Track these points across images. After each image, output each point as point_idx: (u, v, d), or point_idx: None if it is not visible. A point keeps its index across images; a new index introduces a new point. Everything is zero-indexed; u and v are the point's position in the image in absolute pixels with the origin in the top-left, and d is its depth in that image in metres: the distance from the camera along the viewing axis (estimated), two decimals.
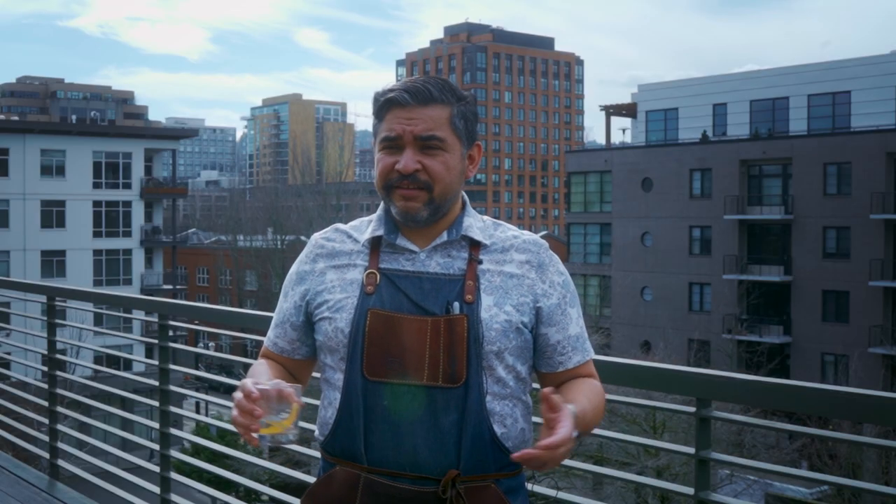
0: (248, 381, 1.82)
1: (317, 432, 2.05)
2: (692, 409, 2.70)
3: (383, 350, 1.91)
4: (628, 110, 48.97)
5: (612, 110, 49.45)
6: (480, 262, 1.99)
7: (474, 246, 2.01)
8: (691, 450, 2.71)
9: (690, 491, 2.68)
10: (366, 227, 2.07)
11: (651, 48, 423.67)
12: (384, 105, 1.97)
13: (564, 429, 1.74)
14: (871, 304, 32.88)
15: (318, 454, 2.17)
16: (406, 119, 1.94)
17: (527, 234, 2.06)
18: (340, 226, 2.11)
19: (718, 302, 36.23)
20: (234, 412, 1.81)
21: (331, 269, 2.04)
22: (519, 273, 2.00)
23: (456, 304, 1.92)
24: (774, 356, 33.19)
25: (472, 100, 2.04)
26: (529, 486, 2.12)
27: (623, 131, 75.62)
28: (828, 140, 35.71)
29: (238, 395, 1.80)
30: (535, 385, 2.15)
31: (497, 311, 1.94)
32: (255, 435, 1.80)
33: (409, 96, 1.94)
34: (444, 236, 2.00)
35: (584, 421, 1.88)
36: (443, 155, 1.95)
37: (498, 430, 1.92)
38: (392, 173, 1.95)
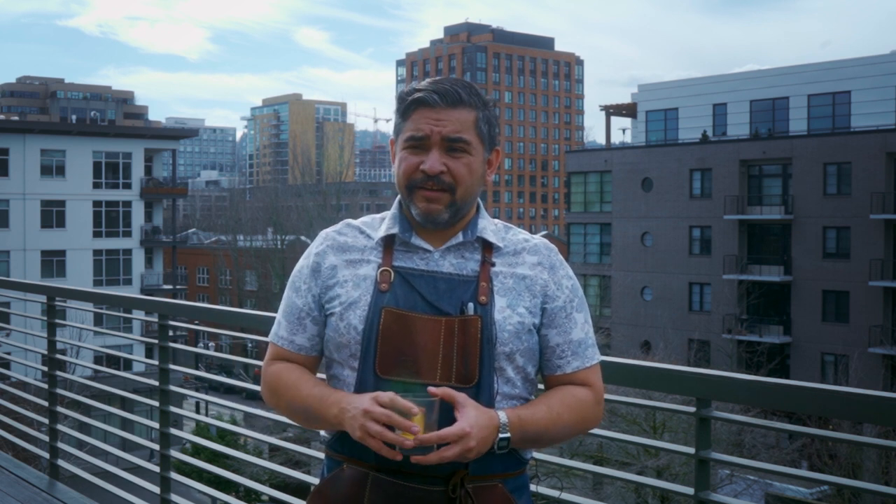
0: (395, 397, 1.78)
1: (322, 431, 2.05)
2: (692, 409, 2.70)
3: (396, 349, 1.91)
4: (628, 110, 48.97)
5: (612, 110, 49.45)
6: (493, 264, 2.00)
7: (487, 248, 2.01)
8: (691, 450, 2.71)
9: (690, 491, 2.68)
10: (378, 224, 2.07)
11: (651, 48, 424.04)
12: (411, 104, 1.97)
13: (451, 428, 1.77)
14: (871, 304, 32.88)
15: (317, 454, 2.16)
16: (434, 120, 1.94)
17: (537, 238, 2.08)
18: (352, 221, 2.11)
19: (718, 302, 36.22)
20: (376, 427, 1.77)
21: (343, 264, 2.02)
22: (531, 275, 2.01)
23: (470, 305, 1.93)
24: (774, 356, 33.20)
25: (494, 104, 2.05)
26: (533, 486, 2.13)
27: (623, 131, 75.71)
28: (828, 140, 35.71)
29: (380, 409, 1.77)
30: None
31: (510, 313, 1.95)
32: (400, 450, 1.78)
33: (439, 97, 1.94)
34: (460, 237, 2.00)
35: (525, 428, 1.90)
36: (467, 158, 1.96)
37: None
38: (416, 173, 1.95)
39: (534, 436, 1.93)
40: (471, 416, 1.80)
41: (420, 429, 1.76)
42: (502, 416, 1.87)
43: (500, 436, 1.86)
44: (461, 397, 1.82)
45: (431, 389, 1.81)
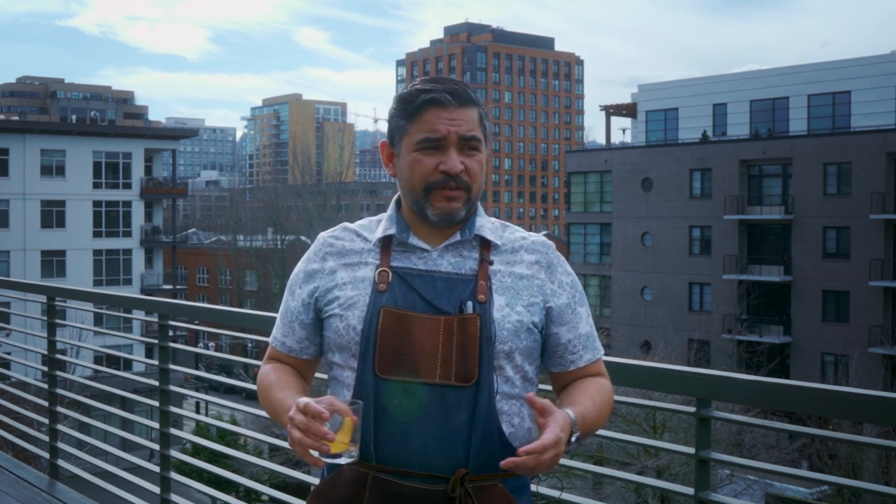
0: (309, 401, 1.77)
1: None
2: (692, 409, 2.70)
3: (395, 348, 1.91)
4: (628, 110, 48.97)
5: (612, 110, 49.45)
6: (491, 262, 2.00)
7: (485, 246, 2.02)
8: (691, 450, 2.71)
9: (690, 491, 2.68)
10: (375, 226, 2.07)
11: (651, 48, 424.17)
12: (422, 105, 1.95)
13: (549, 434, 1.76)
14: (871, 304, 32.87)
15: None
16: (449, 119, 1.94)
17: (534, 236, 2.08)
18: (349, 224, 2.11)
19: (718, 302, 36.22)
20: (297, 433, 1.76)
21: (341, 267, 2.03)
22: (529, 273, 2.01)
23: (469, 304, 1.93)
24: (774, 356, 33.20)
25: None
26: (533, 486, 2.13)
27: (623, 131, 75.73)
28: (828, 140, 35.71)
29: (299, 416, 1.76)
30: (543, 385, 2.15)
31: (509, 312, 1.95)
32: (321, 457, 1.77)
33: (451, 96, 1.94)
34: (458, 236, 2.00)
35: (586, 424, 1.90)
36: (479, 155, 1.98)
37: (506, 429, 1.93)
38: (434, 174, 1.95)
39: (590, 429, 1.94)
40: (559, 421, 1.79)
41: (334, 436, 1.74)
42: (571, 413, 1.86)
43: (574, 434, 1.85)
44: (546, 402, 1.81)
45: (530, 396, 1.79)
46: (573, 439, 1.84)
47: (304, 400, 1.78)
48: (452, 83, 1.98)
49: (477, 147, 1.96)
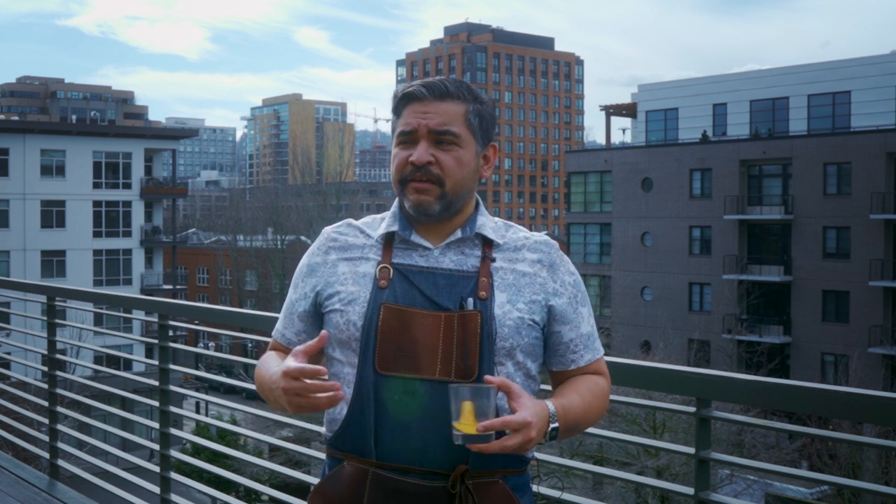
0: (299, 365, 1.79)
1: (324, 428, 2.05)
2: (692, 409, 2.70)
3: (395, 344, 1.91)
4: (628, 110, 48.96)
5: (612, 110, 49.44)
6: (494, 259, 2.00)
7: (487, 244, 2.02)
8: (691, 450, 2.71)
9: (690, 491, 2.68)
10: (379, 223, 2.08)
11: (651, 48, 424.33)
12: (402, 101, 2.00)
13: (517, 416, 1.76)
14: (871, 304, 32.87)
15: (317, 454, 2.16)
16: (421, 113, 1.96)
17: (537, 235, 2.08)
18: (353, 221, 2.12)
19: (718, 302, 36.21)
20: (301, 401, 1.79)
21: (343, 262, 2.04)
22: (531, 272, 2.01)
23: (470, 300, 1.93)
24: (774, 356, 33.18)
25: (490, 103, 2.06)
26: (534, 486, 2.13)
27: (623, 131, 75.75)
28: (828, 140, 35.70)
29: (294, 383, 1.78)
30: (545, 386, 2.16)
31: (510, 308, 1.95)
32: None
33: (426, 90, 1.97)
34: (458, 233, 2.01)
35: (567, 417, 1.89)
36: (456, 150, 1.97)
37: None
38: (406, 166, 1.97)
39: (573, 424, 1.93)
40: (530, 406, 1.79)
41: (340, 384, 1.79)
42: (550, 405, 1.87)
43: (551, 426, 1.85)
44: (517, 387, 1.81)
45: (488, 378, 1.80)
46: (549, 429, 1.84)
47: (293, 367, 1.79)
48: (439, 79, 2.00)
49: (454, 142, 1.96)
